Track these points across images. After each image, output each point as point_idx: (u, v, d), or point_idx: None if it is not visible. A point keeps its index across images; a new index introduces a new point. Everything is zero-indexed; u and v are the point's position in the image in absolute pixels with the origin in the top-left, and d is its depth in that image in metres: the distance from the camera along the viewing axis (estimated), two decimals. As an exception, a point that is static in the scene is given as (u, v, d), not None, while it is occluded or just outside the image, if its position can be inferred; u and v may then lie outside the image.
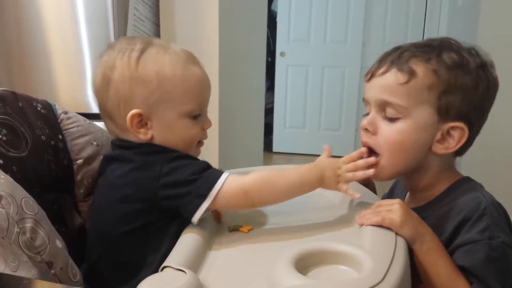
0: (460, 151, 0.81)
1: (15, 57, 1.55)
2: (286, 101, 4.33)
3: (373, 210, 0.74)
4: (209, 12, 1.59)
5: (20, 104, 0.83)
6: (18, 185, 0.62)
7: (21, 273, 0.60)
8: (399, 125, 0.77)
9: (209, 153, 1.71)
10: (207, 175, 0.72)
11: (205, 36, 1.61)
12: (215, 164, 1.74)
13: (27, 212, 0.60)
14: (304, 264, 0.61)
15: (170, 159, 0.73)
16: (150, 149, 0.77)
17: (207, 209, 0.71)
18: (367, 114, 0.83)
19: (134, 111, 0.76)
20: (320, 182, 0.77)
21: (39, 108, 0.88)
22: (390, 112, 0.77)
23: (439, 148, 0.78)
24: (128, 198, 0.75)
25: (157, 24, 1.65)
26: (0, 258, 0.62)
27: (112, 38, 1.47)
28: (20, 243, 0.59)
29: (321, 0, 4.09)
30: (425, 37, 3.90)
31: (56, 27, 1.51)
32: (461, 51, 0.77)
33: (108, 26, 1.47)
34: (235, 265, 0.66)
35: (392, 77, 0.76)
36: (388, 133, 0.78)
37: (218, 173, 0.72)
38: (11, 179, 0.63)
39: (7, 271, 0.62)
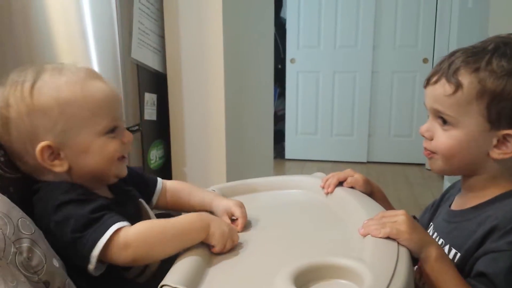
0: None
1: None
2: (298, 107, 4.32)
3: (377, 221, 0.73)
4: (213, 23, 1.60)
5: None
6: (14, 205, 0.63)
7: (19, 293, 0.60)
8: (452, 133, 0.77)
9: (216, 161, 1.72)
10: (90, 234, 0.66)
11: (210, 47, 1.62)
12: (222, 174, 1.75)
13: (24, 232, 0.60)
14: (303, 279, 0.60)
15: (53, 210, 0.68)
16: (41, 194, 0.72)
17: (97, 263, 0.66)
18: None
19: (42, 144, 0.71)
20: (203, 237, 0.72)
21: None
22: (443, 119, 0.78)
23: (496, 154, 0.76)
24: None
25: (162, 37, 1.66)
26: (0, 279, 0.62)
27: (118, 52, 1.48)
28: (17, 263, 0.59)
29: (330, 5, 4.08)
30: (436, 40, 3.87)
31: (64, 43, 1.53)
32: None
33: (114, 40, 1.48)
34: (234, 282, 0.65)
35: (440, 88, 0.77)
36: (442, 140, 0.79)
37: (103, 230, 0.66)
38: (8, 200, 0.63)
39: (7, 291, 0.62)
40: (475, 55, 0.75)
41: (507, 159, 0.77)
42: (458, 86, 0.74)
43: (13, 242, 0.59)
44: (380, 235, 0.70)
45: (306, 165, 4.20)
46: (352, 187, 0.94)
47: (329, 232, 0.80)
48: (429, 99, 0.80)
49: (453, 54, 0.79)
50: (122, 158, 0.79)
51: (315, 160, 4.29)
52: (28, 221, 0.63)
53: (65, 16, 1.51)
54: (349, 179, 0.95)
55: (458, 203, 0.85)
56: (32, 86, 0.71)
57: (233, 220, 0.84)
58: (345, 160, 4.23)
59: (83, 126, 0.73)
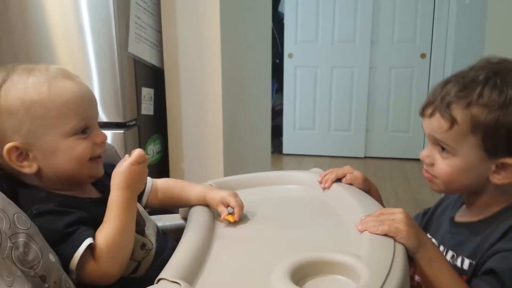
0: None
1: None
2: (295, 102, 4.32)
3: (375, 218, 0.73)
4: (211, 18, 1.59)
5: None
6: (10, 201, 0.62)
7: (16, 287, 0.60)
8: (451, 161, 0.78)
9: (213, 156, 1.72)
10: (63, 248, 0.67)
11: (207, 42, 1.61)
12: (219, 169, 1.75)
13: (20, 227, 0.60)
14: (300, 275, 0.61)
15: (31, 218, 0.66)
16: (20, 201, 0.70)
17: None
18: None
19: (8, 145, 0.70)
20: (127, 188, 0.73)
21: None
22: (442, 147, 0.79)
23: (496, 179, 0.77)
24: None
25: (159, 31, 1.66)
26: (-4, 273, 0.62)
27: (115, 46, 1.48)
28: (13, 258, 0.59)
29: (328, 0, 4.08)
30: (434, 35, 3.87)
31: (62, 38, 1.53)
32: (505, 85, 0.74)
33: (111, 34, 1.48)
34: (231, 277, 0.65)
35: (436, 122, 0.78)
36: (441, 167, 0.79)
37: (76, 245, 0.67)
38: (3, 195, 0.62)
39: (3, 286, 0.62)
40: (466, 88, 0.75)
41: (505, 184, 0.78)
42: (452, 122, 0.75)
43: (9, 237, 0.59)
44: (377, 232, 0.70)
45: (303, 160, 4.21)
46: (350, 184, 0.94)
47: (326, 227, 0.80)
48: (427, 128, 0.81)
49: (445, 85, 0.79)
50: (96, 158, 0.78)
51: (313, 155, 4.30)
52: (24, 216, 0.62)
53: (62, 11, 1.51)
54: (348, 176, 0.95)
55: (464, 215, 0.85)
56: (0, 87, 0.71)
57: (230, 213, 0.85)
58: (342, 155, 4.23)
59: (50, 127, 0.72)
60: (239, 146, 1.93)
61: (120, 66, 1.50)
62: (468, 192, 0.83)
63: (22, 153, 0.72)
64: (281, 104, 4.37)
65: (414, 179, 3.57)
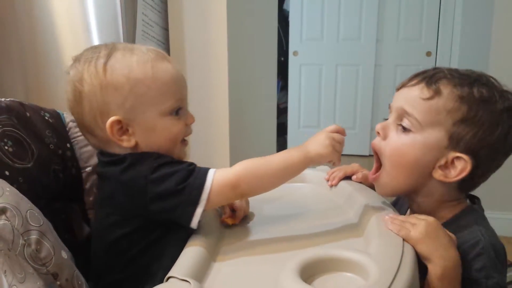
0: (463, 187, 0.80)
1: (30, 66, 1.58)
2: (300, 100, 4.31)
3: (404, 219, 0.72)
4: (217, 15, 1.59)
5: (28, 114, 0.83)
6: (23, 196, 0.63)
7: (28, 284, 0.60)
8: (408, 137, 0.78)
9: (219, 154, 1.72)
10: (192, 181, 0.71)
11: (214, 39, 1.61)
12: (225, 166, 1.75)
13: (32, 224, 0.61)
14: (309, 272, 0.61)
15: (152, 169, 0.71)
16: (131, 161, 0.74)
17: (203, 212, 0.71)
18: (386, 119, 0.83)
19: (112, 118, 0.74)
20: (306, 158, 0.75)
21: (47, 117, 0.88)
22: (405, 122, 0.78)
23: (438, 174, 0.77)
24: (123, 218, 0.74)
25: (165, 29, 1.66)
26: (8, 270, 0.63)
27: (121, 44, 1.48)
28: (26, 255, 0.59)
29: (334, -2, 4.07)
30: (440, 33, 3.86)
31: (68, 35, 1.53)
32: (494, 89, 0.76)
33: (118, 32, 1.48)
34: (240, 275, 0.66)
35: (418, 90, 0.77)
36: (395, 142, 0.79)
37: (204, 175, 0.71)
38: (17, 191, 0.63)
39: (15, 282, 0.62)
40: (460, 75, 0.77)
41: (452, 187, 0.79)
42: (437, 92, 0.75)
43: (21, 234, 0.59)
44: (392, 228, 0.70)
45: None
46: (361, 183, 0.94)
47: (334, 225, 0.80)
48: (400, 100, 0.80)
49: (436, 68, 0.80)
50: (183, 141, 0.82)
51: (317, 153, 4.29)
52: (36, 212, 0.63)
53: (68, 8, 1.51)
54: (359, 174, 0.95)
55: None
56: (105, 63, 0.74)
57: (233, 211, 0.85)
58: (347, 153, 4.22)
59: (150, 104, 0.76)
60: (245, 144, 1.94)
61: (127, 64, 1.50)
62: (410, 189, 0.81)
63: (123, 127, 0.75)
64: (286, 102, 4.37)
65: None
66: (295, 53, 4.22)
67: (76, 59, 0.78)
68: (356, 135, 4.22)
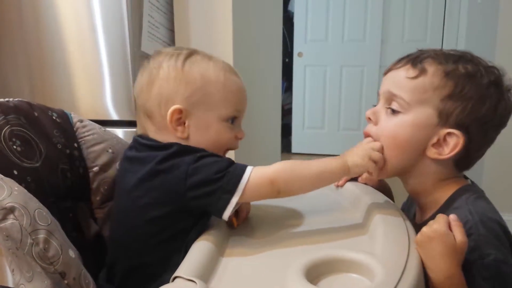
0: (460, 164, 0.80)
1: (36, 66, 1.58)
2: (305, 101, 4.31)
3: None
4: (222, 17, 1.60)
5: (36, 114, 0.84)
6: (31, 196, 0.64)
7: (35, 283, 0.61)
8: (398, 119, 0.78)
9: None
10: (232, 170, 0.73)
11: (219, 41, 1.62)
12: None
13: (40, 223, 0.61)
14: (315, 273, 0.61)
15: (195, 159, 0.74)
16: (177, 149, 0.76)
17: (236, 204, 0.72)
18: (375, 105, 0.84)
19: (175, 106, 0.78)
20: (344, 167, 0.77)
21: (54, 117, 0.89)
22: (394, 105, 0.79)
23: (432, 152, 0.77)
24: (156, 201, 0.75)
25: (171, 30, 1.66)
26: (16, 268, 0.63)
27: (128, 46, 1.49)
28: (34, 254, 0.60)
29: (338, -1, 4.07)
30: (445, 35, 3.85)
31: (74, 36, 1.53)
32: (479, 65, 0.77)
33: (124, 33, 1.48)
34: (246, 275, 0.66)
35: (404, 71, 0.78)
36: (386, 125, 0.80)
37: (243, 167, 0.74)
38: (25, 191, 0.64)
39: (23, 281, 0.63)
40: (445, 54, 0.78)
41: (446, 164, 0.78)
42: (422, 71, 0.76)
43: (29, 233, 0.60)
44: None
45: (313, 159, 4.20)
46: (365, 184, 0.94)
47: (340, 226, 0.80)
48: (387, 84, 0.81)
49: (421, 50, 0.81)
50: (226, 151, 0.86)
51: (322, 154, 4.28)
52: (44, 212, 0.64)
53: (74, 9, 1.51)
54: (364, 175, 0.94)
55: (418, 216, 0.85)
56: (186, 59, 0.81)
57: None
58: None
59: (213, 106, 0.80)
60: (249, 145, 1.94)
61: (132, 65, 1.50)
62: (404, 171, 0.81)
63: (181, 118, 0.79)
64: (290, 103, 4.37)
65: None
66: (299, 54, 4.23)
67: (157, 52, 0.84)
68: (361, 136, 4.19)
